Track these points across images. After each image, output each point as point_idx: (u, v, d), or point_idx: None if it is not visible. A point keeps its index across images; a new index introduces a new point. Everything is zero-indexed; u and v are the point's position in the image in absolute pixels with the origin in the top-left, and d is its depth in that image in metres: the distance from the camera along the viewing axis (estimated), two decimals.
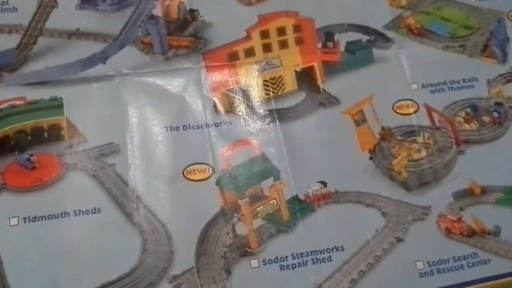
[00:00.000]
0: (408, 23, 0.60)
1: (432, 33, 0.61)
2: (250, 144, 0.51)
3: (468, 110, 0.56)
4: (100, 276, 0.44)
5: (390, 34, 0.59)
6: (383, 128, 0.54)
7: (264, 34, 0.57)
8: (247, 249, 0.47)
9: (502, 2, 0.63)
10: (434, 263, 0.48)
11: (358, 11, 0.60)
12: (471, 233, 0.50)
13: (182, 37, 0.56)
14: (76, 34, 0.55)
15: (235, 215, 0.48)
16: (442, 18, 0.62)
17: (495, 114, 0.56)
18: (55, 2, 0.56)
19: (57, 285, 0.44)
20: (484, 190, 0.52)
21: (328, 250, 0.47)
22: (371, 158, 0.52)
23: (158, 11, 0.57)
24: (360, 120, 0.54)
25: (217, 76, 0.55)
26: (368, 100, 0.55)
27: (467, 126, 0.56)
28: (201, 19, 0.57)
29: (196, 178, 0.49)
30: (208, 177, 0.49)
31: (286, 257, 0.47)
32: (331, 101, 0.55)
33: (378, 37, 0.59)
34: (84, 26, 0.56)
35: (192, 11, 0.58)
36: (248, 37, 0.56)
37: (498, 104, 0.57)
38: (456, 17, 0.62)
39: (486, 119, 0.56)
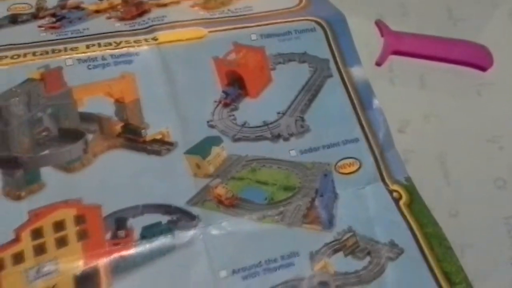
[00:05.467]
0: (217, 194, 0.52)
1: (247, 202, 0.53)
2: None
3: None
4: None
5: (195, 210, 0.51)
6: None
7: (37, 233, 0.48)
8: None
9: (329, 152, 0.56)
10: None
11: (156, 188, 0.51)
12: None
13: None
14: None
15: None
16: (258, 182, 0.54)
17: None
18: None
19: None
20: None
21: None
22: None
23: None
24: None
25: None
26: None
27: None
28: None
29: None
30: None
31: None
32: None
33: (182, 216, 0.51)
34: None
35: None
36: (17, 239, 0.47)
37: (323, 284, 0.49)
38: (274, 178, 0.54)
39: None
